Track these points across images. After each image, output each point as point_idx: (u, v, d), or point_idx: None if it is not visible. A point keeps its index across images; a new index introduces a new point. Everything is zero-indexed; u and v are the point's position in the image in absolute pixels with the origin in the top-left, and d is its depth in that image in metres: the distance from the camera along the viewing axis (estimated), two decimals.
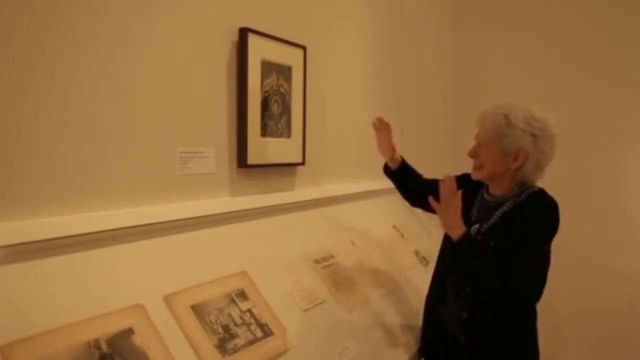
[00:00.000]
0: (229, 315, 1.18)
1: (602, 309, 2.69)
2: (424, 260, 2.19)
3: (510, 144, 1.34)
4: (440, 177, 1.71)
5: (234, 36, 1.46)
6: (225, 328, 1.14)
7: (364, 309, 1.60)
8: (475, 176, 1.44)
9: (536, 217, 1.32)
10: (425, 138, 2.89)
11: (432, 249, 2.05)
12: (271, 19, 1.59)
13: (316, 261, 1.61)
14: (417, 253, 2.21)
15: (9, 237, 0.93)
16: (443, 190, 1.32)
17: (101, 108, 1.12)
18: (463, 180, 1.58)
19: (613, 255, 2.68)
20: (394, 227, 2.25)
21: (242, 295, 1.26)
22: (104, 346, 0.92)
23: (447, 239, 1.47)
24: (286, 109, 1.66)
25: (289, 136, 1.68)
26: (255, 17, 1.52)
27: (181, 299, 1.12)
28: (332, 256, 1.69)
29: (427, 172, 1.75)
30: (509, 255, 1.26)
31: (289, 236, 1.62)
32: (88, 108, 1.09)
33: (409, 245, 2.21)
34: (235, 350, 1.12)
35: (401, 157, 1.69)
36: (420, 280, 1.92)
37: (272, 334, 1.23)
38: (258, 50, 1.50)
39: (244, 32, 1.45)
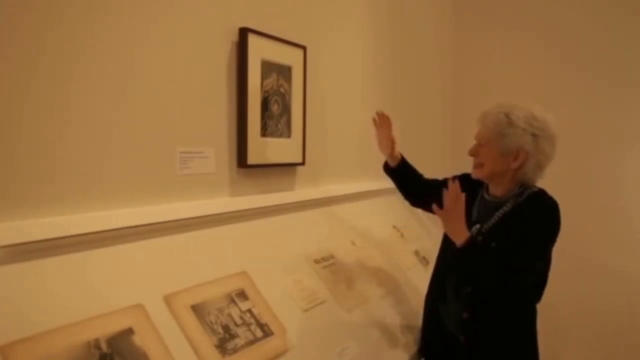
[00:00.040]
0: (229, 315, 1.18)
1: (602, 309, 2.69)
2: (424, 260, 2.19)
3: (511, 143, 1.34)
4: (440, 178, 1.72)
5: (234, 36, 1.46)
6: (225, 328, 1.14)
7: (364, 309, 1.60)
8: (475, 175, 1.44)
9: (537, 217, 1.32)
10: (425, 138, 2.89)
11: (432, 249, 2.05)
12: (271, 19, 1.59)
13: (316, 261, 1.61)
14: (417, 253, 2.21)
15: (9, 237, 0.93)
16: (447, 197, 1.30)
17: (101, 108, 1.12)
18: (463, 180, 1.58)
19: (613, 255, 2.68)
20: (394, 227, 2.25)
21: (242, 295, 1.26)
22: (104, 346, 0.92)
23: (447, 238, 1.47)
24: (286, 109, 1.66)
25: (289, 136, 1.68)
26: (255, 17, 1.52)
27: (181, 299, 1.12)
28: (332, 256, 1.69)
29: (427, 172, 1.75)
30: (511, 257, 1.26)
31: (289, 236, 1.62)
32: (88, 108, 1.09)
33: (409, 245, 2.21)
34: (235, 350, 1.12)
35: (401, 155, 1.69)
36: (420, 280, 1.91)
37: (272, 334, 1.23)
38: (258, 50, 1.50)
39: (244, 32, 1.45)
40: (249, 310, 1.24)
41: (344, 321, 1.49)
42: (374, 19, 2.28)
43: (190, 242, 1.30)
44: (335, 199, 1.97)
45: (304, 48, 1.71)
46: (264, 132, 1.56)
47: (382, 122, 1.64)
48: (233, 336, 1.14)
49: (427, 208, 1.74)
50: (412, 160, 1.73)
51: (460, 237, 1.29)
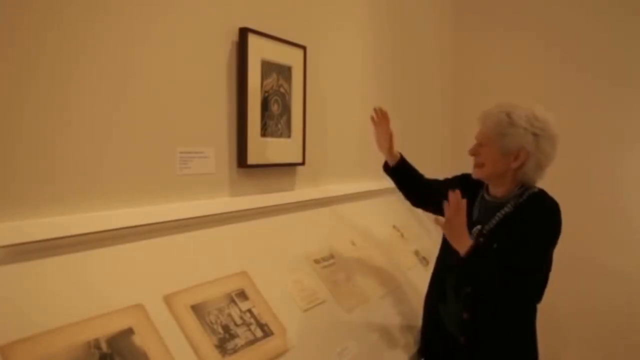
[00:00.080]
0: (229, 315, 1.18)
1: (602, 309, 2.69)
2: (424, 260, 2.19)
3: (512, 142, 1.34)
4: (441, 178, 1.71)
5: (234, 36, 1.46)
6: (225, 328, 1.14)
7: (364, 309, 1.60)
8: (476, 175, 1.44)
9: (538, 218, 1.32)
10: (425, 138, 2.89)
11: (432, 249, 2.05)
12: (271, 19, 1.59)
13: (316, 261, 1.61)
14: (417, 253, 2.21)
15: (9, 237, 0.93)
16: (448, 208, 1.29)
17: (101, 108, 1.12)
18: (463, 181, 1.58)
19: (613, 255, 2.68)
20: (394, 227, 2.25)
21: (242, 295, 1.26)
22: (104, 346, 0.92)
23: (447, 239, 1.47)
24: (286, 109, 1.66)
25: (289, 136, 1.68)
26: (255, 17, 1.52)
27: (181, 299, 1.12)
28: (332, 256, 1.69)
29: (427, 172, 1.75)
30: (514, 261, 1.26)
31: (289, 236, 1.62)
32: (88, 108, 1.09)
33: (409, 245, 2.21)
34: (235, 350, 1.12)
35: (400, 154, 1.68)
36: (420, 280, 1.91)
37: (272, 334, 1.23)
38: (258, 50, 1.50)
39: (244, 32, 1.45)
40: (249, 310, 1.24)
41: (344, 321, 1.49)
42: (374, 19, 2.28)
43: (190, 242, 1.30)
44: (335, 199, 1.97)
45: (304, 48, 1.71)
46: (264, 132, 1.56)
47: (380, 119, 1.64)
48: (233, 336, 1.14)
49: (429, 208, 1.74)
50: (412, 160, 1.73)
51: (463, 246, 1.29)
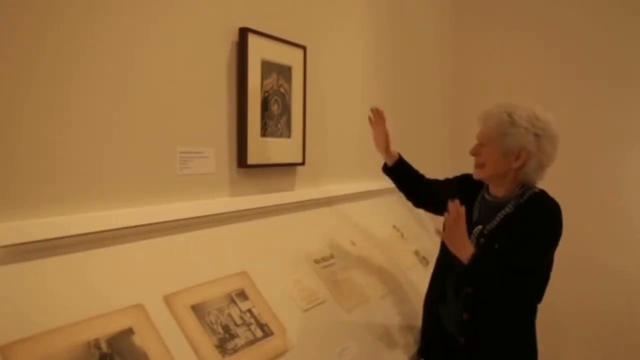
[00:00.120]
0: (229, 315, 1.18)
1: (602, 309, 2.69)
2: (424, 260, 2.19)
3: (513, 142, 1.34)
4: (441, 178, 1.71)
5: (234, 36, 1.46)
6: (225, 328, 1.14)
7: (364, 309, 1.60)
8: (477, 175, 1.44)
9: (539, 219, 1.32)
10: (425, 138, 2.89)
11: (432, 249, 2.05)
12: (271, 19, 1.59)
13: (316, 261, 1.61)
14: (417, 253, 2.21)
15: (9, 237, 0.93)
16: (448, 217, 1.30)
17: (101, 108, 1.12)
18: (463, 181, 1.58)
19: (613, 255, 2.68)
20: (394, 227, 2.25)
21: (242, 295, 1.26)
22: (104, 346, 0.92)
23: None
24: (286, 109, 1.66)
25: (289, 136, 1.68)
26: (255, 17, 1.52)
27: (181, 299, 1.12)
28: (332, 256, 1.69)
29: (427, 172, 1.75)
30: (514, 260, 1.26)
31: (289, 236, 1.62)
32: (88, 108, 1.09)
33: (409, 245, 2.21)
34: (235, 350, 1.12)
35: (398, 154, 1.68)
36: (420, 280, 1.91)
37: (272, 334, 1.23)
38: (258, 50, 1.50)
39: (244, 32, 1.45)
40: (249, 310, 1.24)
41: (344, 321, 1.49)
42: (374, 19, 2.28)
43: (190, 242, 1.30)
44: (335, 199, 1.97)
45: (304, 48, 1.71)
46: (264, 132, 1.56)
47: (377, 119, 1.64)
48: (233, 336, 1.14)
49: (430, 208, 1.74)
50: (412, 160, 1.73)
51: (465, 254, 1.29)
